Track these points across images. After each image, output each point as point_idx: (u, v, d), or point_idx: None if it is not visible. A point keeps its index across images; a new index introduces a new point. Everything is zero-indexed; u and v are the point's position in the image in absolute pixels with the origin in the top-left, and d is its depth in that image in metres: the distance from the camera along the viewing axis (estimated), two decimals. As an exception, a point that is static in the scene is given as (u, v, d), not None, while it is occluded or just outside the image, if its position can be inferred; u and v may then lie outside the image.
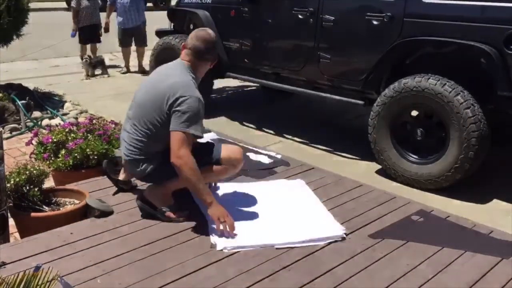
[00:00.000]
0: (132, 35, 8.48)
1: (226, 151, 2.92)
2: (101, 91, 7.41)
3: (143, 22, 8.48)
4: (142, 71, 8.63)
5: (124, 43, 8.57)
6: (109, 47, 10.68)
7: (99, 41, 8.85)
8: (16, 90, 6.12)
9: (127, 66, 8.75)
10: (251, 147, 4.13)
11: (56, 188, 3.18)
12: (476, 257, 2.59)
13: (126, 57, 8.70)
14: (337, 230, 2.79)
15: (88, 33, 8.53)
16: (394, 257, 2.57)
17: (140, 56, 8.71)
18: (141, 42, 8.58)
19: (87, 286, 2.24)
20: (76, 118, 5.66)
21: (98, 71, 8.32)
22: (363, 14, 4.52)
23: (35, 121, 5.49)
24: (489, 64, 3.89)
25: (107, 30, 8.74)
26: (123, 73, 8.68)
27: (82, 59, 8.41)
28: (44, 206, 2.90)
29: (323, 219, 2.93)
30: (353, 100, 4.75)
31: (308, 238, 2.68)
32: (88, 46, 8.80)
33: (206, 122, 5.61)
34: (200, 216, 2.92)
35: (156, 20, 8.66)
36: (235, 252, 2.55)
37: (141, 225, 2.80)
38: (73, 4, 8.52)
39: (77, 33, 8.48)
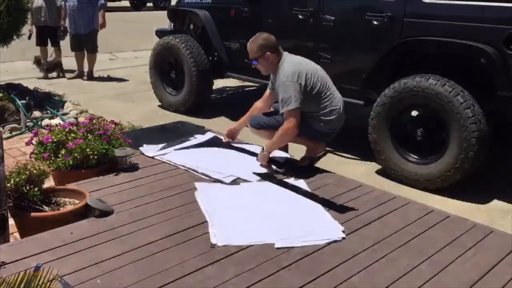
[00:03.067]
0: (80, 41, 8.01)
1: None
2: (101, 91, 7.41)
3: (92, 30, 7.96)
4: (90, 77, 8.19)
5: (74, 48, 8.14)
6: (109, 47, 10.70)
7: (54, 45, 8.35)
8: (16, 90, 6.12)
9: (79, 70, 8.28)
10: (251, 145, 4.12)
11: (56, 188, 3.17)
12: (476, 257, 2.59)
13: (77, 61, 8.26)
14: (337, 231, 2.79)
15: (39, 35, 8.15)
16: (394, 257, 2.57)
17: (89, 63, 8.23)
18: (91, 49, 8.09)
19: (87, 286, 2.24)
20: (76, 118, 5.66)
21: (54, 74, 8.06)
22: (363, 14, 4.52)
23: (35, 121, 5.49)
24: (489, 64, 3.89)
25: (62, 32, 8.27)
26: (70, 78, 8.17)
27: (40, 61, 8.05)
28: (44, 206, 2.89)
29: (324, 220, 2.93)
30: (353, 100, 4.75)
31: (309, 238, 2.69)
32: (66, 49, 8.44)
33: (207, 122, 5.63)
34: (200, 216, 2.92)
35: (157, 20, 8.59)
36: (235, 252, 2.55)
37: (141, 225, 2.80)
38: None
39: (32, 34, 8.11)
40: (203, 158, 3.77)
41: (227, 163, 3.70)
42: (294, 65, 3.62)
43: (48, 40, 8.28)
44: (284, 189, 3.35)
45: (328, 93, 3.69)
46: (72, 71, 8.46)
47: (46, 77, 7.99)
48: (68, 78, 8.19)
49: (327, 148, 5.06)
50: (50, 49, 8.46)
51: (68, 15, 7.94)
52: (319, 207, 3.10)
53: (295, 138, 3.68)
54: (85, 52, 8.17)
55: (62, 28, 8.21)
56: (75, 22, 7.87)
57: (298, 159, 3.91)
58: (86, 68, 8.32)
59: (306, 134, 3.69)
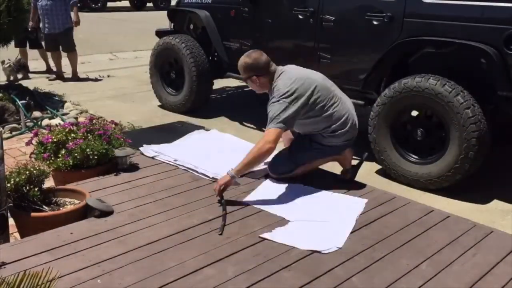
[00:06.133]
0: (55, 41, 7.81)
1: None
2: (101, 91, 7.41)
3: (66, 29, 7.78)
4: (74, 77, 8.08)
5: (49, 48, 7.95)
6: (109, 47, 10.71)
7: (31, 46, 8.23)
8: (16, 90, 6.13)
9: (57, 70, 8.12)
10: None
11: (56, 188, 3.17)
12: (476, 257, 2.59)
13: (54, 62, 8.11)
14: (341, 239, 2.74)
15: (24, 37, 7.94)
16: (394, 257, 2.57)
17: (71, 62, 8.07)
18: (68, 48, 7.96)
19: (87, 286, 2.24)
20: (76, 118, 5.66)
21: (19, 75, 7.80)
22: (363, 14, 4.52)
23: (35, 121, 5.49)
24: (489, 64, 3.89)
25: (30, 32, 8.02)
26: (51, 79, 8.01)
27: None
28: (44, 206, 2.89)
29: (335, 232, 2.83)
30: (353, 100, 4.74)
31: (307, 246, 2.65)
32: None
33: (207, 122, 5.64)
34: (200, 216, 2.92)
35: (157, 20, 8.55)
36: (235, 252, 2.55)
37: (141, 225, 2.80)
38: None
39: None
40: (203, 158, 3.77)
41: (227, 163, 3.70)
42: (290, 83, 3.26)
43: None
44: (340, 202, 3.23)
45: (334, 105, 3.37)
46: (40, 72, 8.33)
47: (16, 79, 7.68)
48: (49, 79, 8.05)
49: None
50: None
51: (41, 15, 7.75)
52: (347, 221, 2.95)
53: (316, 162, 3.54)
54: (63, 52, 8.02)
55: (30, 29, 7.96)
56: (49, 21, 7.70)
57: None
58: (66, 68, 8.19)
59: (321, 154, 3.49)
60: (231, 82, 7.52)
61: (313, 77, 3.40)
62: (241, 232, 2.76)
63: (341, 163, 3.65)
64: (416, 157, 4.27)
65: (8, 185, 2.81)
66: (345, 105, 3.49)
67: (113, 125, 3.84)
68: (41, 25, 7.89)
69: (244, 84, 7.53)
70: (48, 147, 3.49)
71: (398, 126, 4.35)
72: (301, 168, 3.49)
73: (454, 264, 2.53)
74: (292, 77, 3.32)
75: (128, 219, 2.86)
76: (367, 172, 4.53)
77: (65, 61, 8.19)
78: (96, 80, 8.24)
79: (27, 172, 2.91)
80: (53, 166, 3.38)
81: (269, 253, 2.56)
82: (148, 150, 3.90)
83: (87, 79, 8.23)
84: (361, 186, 3.46)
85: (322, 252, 2.58)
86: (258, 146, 3.14)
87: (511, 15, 3.75)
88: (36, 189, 2.91)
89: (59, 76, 8.13)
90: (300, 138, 3.55)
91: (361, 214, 3.01)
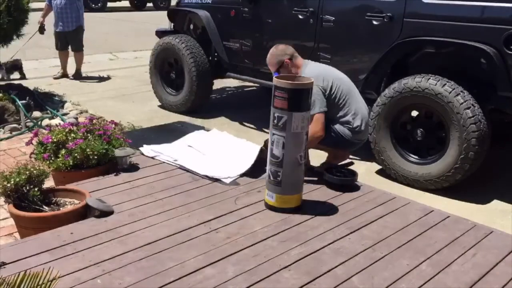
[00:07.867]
0: (65, 39, 7.84)
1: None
2: (101, 91, 7.41)
3: (78, 27, 7.84)
4: (77, 76, 8.06)
5: (58, 46, 7.95)
6: (109, 47, 10.70)
7: None
8: (16, 90, 6.12)
9: (63, 69, 8.11)
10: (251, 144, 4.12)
11: (56, 188, 3.18)
12: (476, 257, 2.60)
13: (62, 60, 8.09)
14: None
15: None
16: (394, 257, 2.58)
17: (77, 61, 8.11)
18: (76, 47, 7.98)
19: (87, 286, 2.24)
20: (76, 118, 5.66)
21: (15, 75, 7.66)
22: (363, 14, 4.52)
23: (35, 121, 5.48)
24: (489, 64, 3.89)
25: (41, 30, 8.04)
26: (56, 78, 8.00)
27: None
28: (44, 206, 2.90)
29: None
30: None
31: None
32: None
33: (207, 122, 5.64)
34: (200, 216, 2.93)
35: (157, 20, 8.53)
36: (235, 252, 2.56)
37: (141, 225, 2.80)
38: None
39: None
40: (203, 158, 3.77)
41: (227, 163, 3.70)
42: (316, 69, 3.61)
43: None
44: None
45: (349, 103, 3.65)
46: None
47: (8, 79, 7.56)
48: (54, 77, 8.07)
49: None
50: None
51: (55, 13, 7.78)
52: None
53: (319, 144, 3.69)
54: (70, 51, 8.05)
55: (40, 26, 7.98)
56: (63, 19, 7.74)
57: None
58: (72, 68, 8.21)
59: (332, 141, 3.66)
60: (231, 82, 7.52)
61: (339, 73, 3.75)
62: (241, 232, 2.77)
63: (330, 158, 3.88)
64: (416, 157, 4.27)
65: (8, 185, 2.81)
66: (360, 106, 3.74)
67: (113, 125, 3.84)
68: (53, 22, 7.87)
69: (244, 84, 7.54)
70: (48, 147, 3.49)
71: (398, 126, 4.35)
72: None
73: (454, 264, 2.53)
74: (320, 66, 3.79)
75: (128, 219, 2.86)
76: (367, 172, 4.54)
77: (69, 60, 8.21)
78: (96, 80, 8.24)
79: (27, 172, 2.91)
80: (53, 166, 3.38)
81: (269, 253, 2.56)
82: (148, 150, 3.90)
83: (87, 78, 8.22)
84: (361, 186, 3.46)
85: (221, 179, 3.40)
86: (309, 136, 3.26)
87: (511, 15, 3.75)
88: (36, 189, 2.91)
89: (64, 74, 8.16)
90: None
91: (361, 214, 3.02)
